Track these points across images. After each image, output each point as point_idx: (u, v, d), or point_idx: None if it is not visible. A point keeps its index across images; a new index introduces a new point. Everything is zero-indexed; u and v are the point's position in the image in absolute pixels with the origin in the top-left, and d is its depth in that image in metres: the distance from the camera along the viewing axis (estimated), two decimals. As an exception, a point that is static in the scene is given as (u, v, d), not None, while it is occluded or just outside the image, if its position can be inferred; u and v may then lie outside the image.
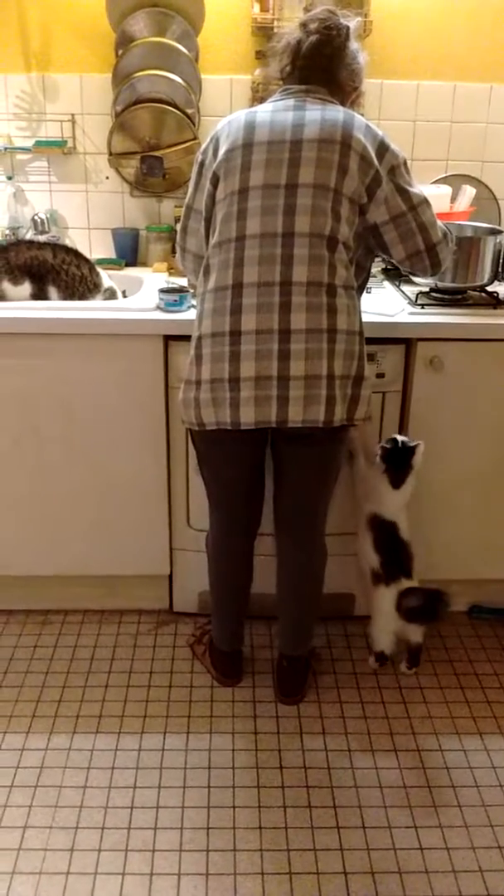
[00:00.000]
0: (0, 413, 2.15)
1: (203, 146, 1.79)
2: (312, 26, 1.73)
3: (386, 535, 2.09)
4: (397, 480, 2.05)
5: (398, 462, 2.04)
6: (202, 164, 1.78)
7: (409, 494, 2.08)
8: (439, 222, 1.77)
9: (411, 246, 1.74)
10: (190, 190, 1.82)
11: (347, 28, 1.73)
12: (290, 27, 1.81)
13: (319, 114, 1.67)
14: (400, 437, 2.06)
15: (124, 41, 2.44)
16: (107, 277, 2.32)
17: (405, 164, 1.72)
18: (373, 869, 1.64)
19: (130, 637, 2.36)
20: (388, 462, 2.04)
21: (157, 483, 2.24)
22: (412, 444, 2.04)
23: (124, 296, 2.34)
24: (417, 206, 1.71)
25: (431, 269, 1.79)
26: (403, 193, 1.70)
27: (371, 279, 2.16)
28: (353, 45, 1.75)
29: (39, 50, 2.50)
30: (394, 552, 2.09)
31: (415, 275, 1.85)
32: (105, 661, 2.25)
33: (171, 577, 2.41)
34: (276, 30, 2.39)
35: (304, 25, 1.75)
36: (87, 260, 2.28)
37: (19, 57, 2.51)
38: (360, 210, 1.69)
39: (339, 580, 2.27)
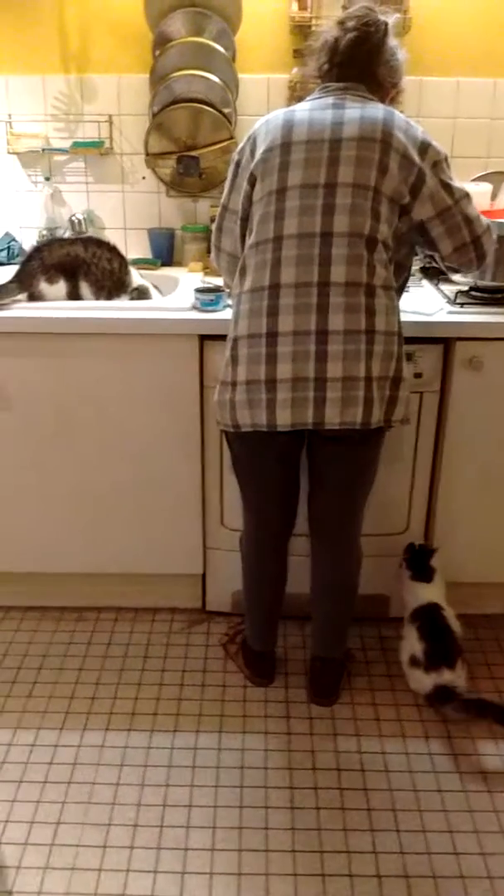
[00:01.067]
0: (37, 412, 2.17)
1: (240, 146, 1.79)
2: (350, 23, 1.72)
3: (430, 619, 2.05)
4: (426, 577, 2.14)
5: (421, 563, 2.15)
6: (238, 164, 1.78)
7: (444, 586, 2.14)
8: (482, 216, 1.76)
9: (458, 239, 1.72)
10: (226, 190, 1.82)
11: (386, 24, 1.72)
12: (327, 25, 1.80)
13: (359, 112, 1.66)
14: (417, 543, 2.20)
15: (161, 41, 2.45)
16: (138, 276, 2.32)
17: (446, 159, 1.71)
18: (407, 873, 1.63)
19: (163, 635, 2.36)
20: (413, 568, 2.15)
21: (192, 482, 2.24)
22: (430, 549, 2.18)
23: (160, 293, 2.35)
24: (460, 199, 1.70)
25: (477, 260, 1.77)
26: (447, 188, 1.69)
27: (410, 278, 2.13)
28: (392, 41, 1.74)
29: (77, 51, 2.52)
30: (440, 639, 2.02)
31: (458, 271, 1.82)
32: (138, 658, 2.26)
33: (204, 576, 2.41)
34: (314, 28, 2.38)
35: (341, 23, 1.74)
36: (120, 256, 2.28)
37: (57, 58, 2.53)
38: (402, 210, 1.68)
39: (373, 582, 2.24)
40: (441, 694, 1.97)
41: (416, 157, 1.65)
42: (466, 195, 1.72)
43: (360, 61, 1.73)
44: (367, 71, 1.74)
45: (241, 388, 1.71)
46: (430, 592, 2.10)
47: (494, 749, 1.95)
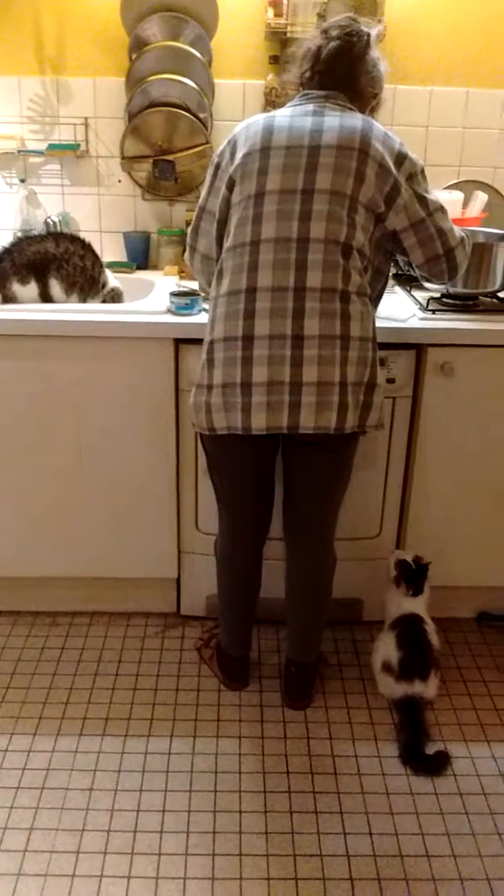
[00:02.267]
0: (10, 414, 2.15)
1: (219, 149, 1.79)
2: (333, 33, 1.74)
3: (411, 628, 2.05)
4: (417, 590, 2.11)
5: (416, 579, 2.12)
6: (217, 167, 1.78)
7: (428, 598, 2.14)
8: (457, 228, 1.77)
9: (430, 250, 1.74)
10: (204, 191, 1.82)
11: (368, 35, 1.74)
12: (311, 33, 1.82)
13: (338, 120, 1.67)
14: (408, 558, 2.14)
15: (138, 45, 2.45)
16: (113, 279, 2.31)
17: (422, 171, 1.73)
18: (379, 875, 1.64)
19: (138, 640, 2.36)
20: (409, 582, 2.11)
21: (166, 486, 2.24)
22: (424, 562, 2.14)
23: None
24: (434, 212, 1.72)
25: (448, 272, 1.78)
26: (422, 200, 1.71)
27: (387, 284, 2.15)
28: (374, 52, 1.76)
29: (53, 53, 2.51)
30: (417, 650, 2.03)
31: (431, 280, 1.84)
32: (112, 663, 2.25)
33: (178, 580, 2.41)
34: (289, 35, 2.40)
35: (324, 32, 1.76)
36: (94, 254, 2.26)
37: (33, 60, 2.52)
38: (377, 218, 1.69)
39: (346, 585, 2.26)
40: (408, 705, 2.00)
41: (393, 168, 1.67)
42: (441, 208, 1.74)
43: (342, 70, 1.75)
44: (348, 80, 1.75)
45: (216, 391, 1.72)
46: (414, 604, 2.11)
47: (465, 752, 1.97)
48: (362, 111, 1.77)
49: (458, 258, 1.77)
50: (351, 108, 1.74)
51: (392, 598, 2.14)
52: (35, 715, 2.05)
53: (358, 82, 1.76)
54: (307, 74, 1.78)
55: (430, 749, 1.94)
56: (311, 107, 1.73)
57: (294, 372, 1.64)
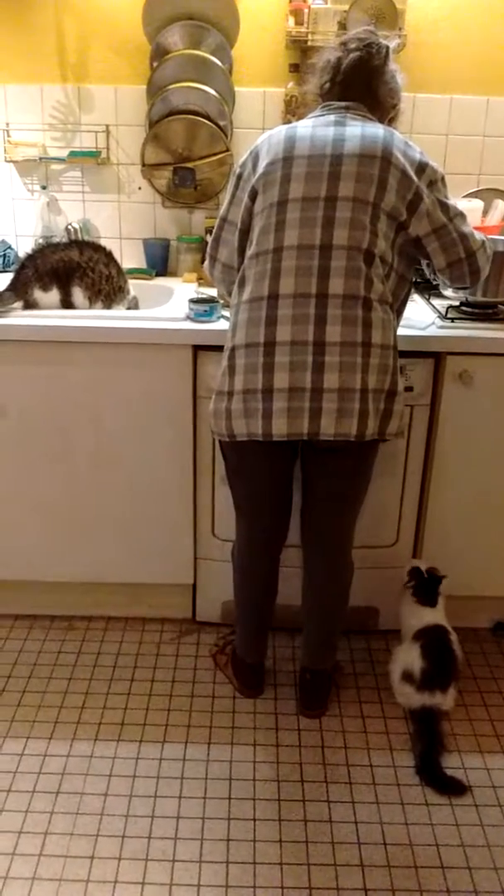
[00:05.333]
0: (30, 420, 2.17)
1: (242, 159, 1.81)
2: (353, 45, 1.77)
3: (437, 639, 2.04)
4: (431, 601, 2.10)
5: (429, 590, 2.11)
6: (240, 177, 1.80)
7: (444, 607, 2.13)
8: (478, 233, 1.78)
9: (453, 254, 1.74)
10: (225, 202, 1.83)
11: (387, 48, 1.76)
12: (330, 46, 1.84)
13: (360, 129, 1.69)
14: (422, 566, 2.14)
15: (159, 53, 2.46)
16: (130, 287, 2.33)
17: (443, 179, 1.74)
18: (394, 887, 1.63)
19: (153, 645, 2.36)
20: (420, 593, 2.11)
21: (183, 492, 2.25)
22: (439, 575, 2.13)
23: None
24: (455, 217, 1.73)
25: (470, 276, 1.78)
26: (443, 206, 1.72)
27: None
28: (392, 64, 1.79)
29: (76, 61, 2.53)
30: (441, 662, 2.01)
31: (453, 286, 1.85)
32: (128, 668, 2.26)
33: (194, 586, 2.41)
34: (310, 43, 2.41)
35: (344, 44, 1.78)
36: (116, 262, 2.28)
37: (55, 68, 2.54)
38: (400, 226, 1.70)
39: (363, 594, 2.25)
40: (425, 716, 1.99)
41: (414, 176, 1.68)
42: (461, 214, 1.75)
43: (362, 81, 1.77)
44: (367, 91, 1.77)
45: (237, 397, 1.72)
46: (437, 615, 2.09)
47: (481, 763, 1.96)
48: (382, 121, 1.79)
49: (480, 262, 1.78)
50: (371, 119, 1.76)
51: (412, 609, 2.12)
52: (51, 719, 2.06)
53: (377, 93, 1.78)
54: (327, 86, 1.80)
55: (447, 761, 1.93)
56: (332, 117, 1.74)
57: (315, 378, 1.64)
